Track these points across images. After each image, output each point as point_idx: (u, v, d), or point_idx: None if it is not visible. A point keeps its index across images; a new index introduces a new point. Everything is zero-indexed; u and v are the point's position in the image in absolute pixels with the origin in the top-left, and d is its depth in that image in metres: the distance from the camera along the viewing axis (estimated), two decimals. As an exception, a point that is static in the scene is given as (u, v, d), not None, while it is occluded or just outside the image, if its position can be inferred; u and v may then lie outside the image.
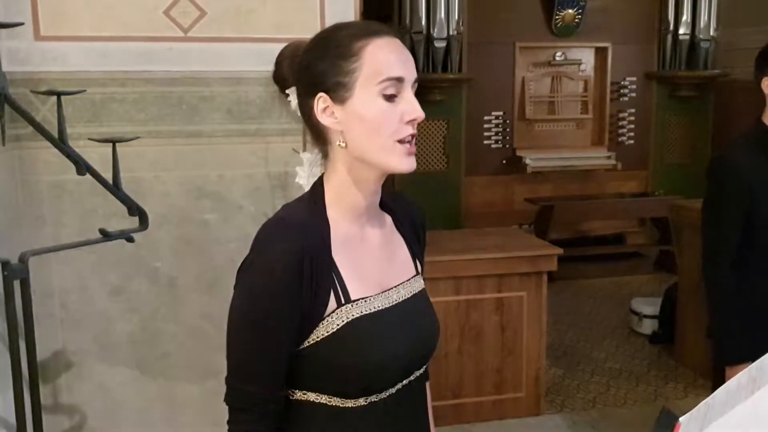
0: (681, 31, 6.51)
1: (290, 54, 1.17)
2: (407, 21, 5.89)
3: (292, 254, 1.04)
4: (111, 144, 1.87)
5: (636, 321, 4.73)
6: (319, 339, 1.08)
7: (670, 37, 6.55)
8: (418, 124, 1.09)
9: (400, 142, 1.08)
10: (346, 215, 1.14)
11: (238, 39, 2.60)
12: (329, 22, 2.78)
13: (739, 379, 0.96)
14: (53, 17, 2.46)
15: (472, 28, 6.14)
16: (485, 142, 6.48)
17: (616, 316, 5.08)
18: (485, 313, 3.36)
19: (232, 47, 2.61)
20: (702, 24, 6.48)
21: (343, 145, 1.09)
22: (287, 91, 1.17)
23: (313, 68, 1.10)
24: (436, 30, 5.87)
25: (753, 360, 1.88)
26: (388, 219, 1.24)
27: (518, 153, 6.48)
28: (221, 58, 2.62)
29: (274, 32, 2.61)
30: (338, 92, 1.08)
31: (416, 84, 1.11)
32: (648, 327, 4.63)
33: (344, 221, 1.13)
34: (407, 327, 1.15)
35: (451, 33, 5.91)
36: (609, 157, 6.54)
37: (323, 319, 1.07)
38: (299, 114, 1.16)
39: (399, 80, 1.07)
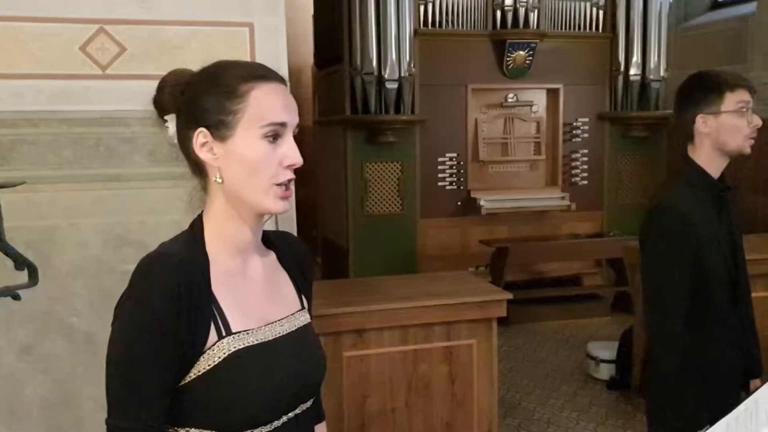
0: (632, 72, 6.58)
1: (173, 81, 1.18)
2: (358, 62, 5.83)
3: (168, 287, 1.04)
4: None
5: (593, 366, 4.60)
6: (200, 373, 1.07)
7: (621, 78, 6.61)
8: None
9: (277, 185, 1.11)
10: (227, 250, 1.15)
11: (161, 77, 2.43)
12: (260, 57, 2.66)
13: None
14: (-45, 53, 2.28)
15: (423, 69, 6.11)
16: (440, 183, 6.39)
17: (573, 361, 4.95)
18: (433, 364, 3.18)
19: (154, 85, 2.44)
20: (652, 65, 6.56)
21: (220, 181, 1.11)
22: (166, 118, 1.18)
23: (197, 102, 1.12)
24: (387, 71, 5.81)
25: (711, 423, 1.75)
26: (272, 255, 1.25)
27: (473, 195, 6.40)
28: (143, 96, 2.41)
29: (200, 70, 2.47)
30: (220, 130, 1.10)
31: (297, 129, 1.14)
32: (605, 372, 4.50)
33: (225, 256, 1.14)
34: (290, 359, 1.17)
35: (402, 74, 5.86)
36: (563, 198, 6.50)
37: (204, 352, 1.07)
38: (175, 142, 1.17)
39: (282, 125, 1.11)
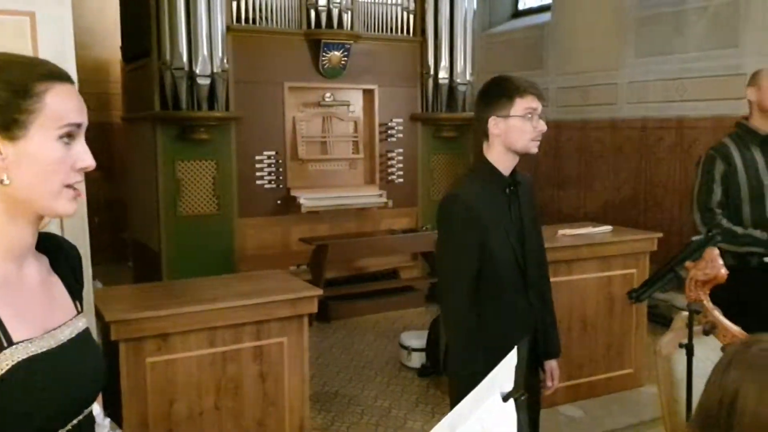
0: (441, 75, 6.91)
1: None
2: (167, 56, 5.61)
3: None
4: None
5: (405, 355, 4.79)
6: None
7: (431, 81, 6.92)
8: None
9: (68, 186, 1.10)
10: (2, 255, 1.11)
11: None
12: (43, 48, 2.48)
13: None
14: None
15: (238, 66, 6.01)
16: (258, 182, 6.32)
17: (389, 352, 5.12)
18: (243, 364, 3.15)
19: None
20: (459, 69, 6.93)
21: (7, 182, 1.07)
22: None
23: None
24: (199, 67, 5.64)
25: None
26: (45, 260, 1.23)
27: (292, 193, 6.40)
28: None
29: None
30: (10, 129, 1.06)
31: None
32: (417, 360, 4.70)
33: (1, 262, 1.10)
34: (75, 365, 1.16)
35: (215, 70, 5.72)
36: (380, 196, 6.69)
37: None
38: None
39: (78, 126, 1.11)
